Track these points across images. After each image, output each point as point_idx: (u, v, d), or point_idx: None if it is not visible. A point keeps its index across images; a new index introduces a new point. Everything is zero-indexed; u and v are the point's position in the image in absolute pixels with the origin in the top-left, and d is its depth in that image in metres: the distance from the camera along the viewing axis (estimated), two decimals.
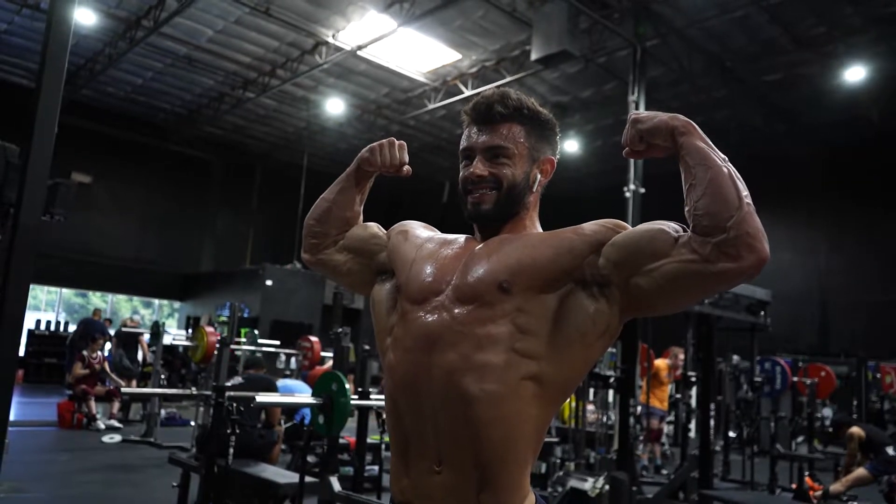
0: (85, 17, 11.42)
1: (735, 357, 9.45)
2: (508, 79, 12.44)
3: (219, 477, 4.37)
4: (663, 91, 12.80)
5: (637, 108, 10.81)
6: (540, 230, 1.40)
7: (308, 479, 4.10)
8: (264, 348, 8.94)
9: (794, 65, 11.95)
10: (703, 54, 11.70)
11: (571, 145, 15.15)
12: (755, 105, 13.42)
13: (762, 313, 6.64)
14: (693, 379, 6.72)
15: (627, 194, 10.50)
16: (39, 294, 17.47)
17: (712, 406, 6.64)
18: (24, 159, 6.00)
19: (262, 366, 6.34)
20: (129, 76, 14.71)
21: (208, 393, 4.86)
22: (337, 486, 3.89)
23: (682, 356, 7.78)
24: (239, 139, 18.18)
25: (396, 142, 1.52)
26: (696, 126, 1.19)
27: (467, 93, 13.19)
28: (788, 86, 12.67)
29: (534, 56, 10.12)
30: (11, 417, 6.12)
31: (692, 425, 8.04)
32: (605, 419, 7.15)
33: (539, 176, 1.40)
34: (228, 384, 5.10)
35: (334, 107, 15.00)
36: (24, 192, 5.80)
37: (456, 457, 1.16)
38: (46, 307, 17.77)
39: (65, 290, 17.97)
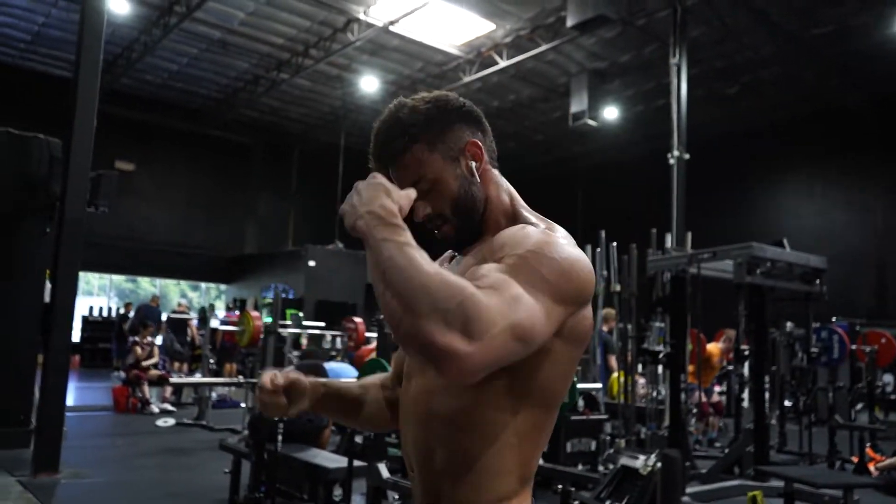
0: (118, 6, 11.49)
1: (789, 324, 9.17)
2: (544, 47, 12.15)
3: (269, 462, 4.41)
4: (706, 50, 12.36)
5: (679, 71, 10.46)
6: (516, 213, 1.26)
7: (357, 463, 4.10)
8: (309, 331, 9.00)
9: (844, 16, 11.38)
10: (747, 11, 11.22)
11: (611, 112, 14.78)
12: (805, 60, 12.86)
13: (818, 281, 6.37)
14: (746, 353, 6.52)
15: (672, 161, 10.21)
16: (92, 280, 17.95)
17: (766, 378, 6.45)
18: (66, 152, 6.09)
19: (315, 356, 6.37)
20: (165, 63, 14.84)
21: (256, 381, 4.87)
22: (385, 472, 3.88)
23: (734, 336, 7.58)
24: (276, 121, 18.24)
25: (268, 385, 1.30)
26: (377, 227, 1.01)
27: (502, 63, 12.94)
28: (840, 38, 12.09)
29: (570, 22, 9.85)
30: (69, 402, 6.30)
31: (745, 395, 7.84)
32: (654, 394, 7.01)
33: (473, 163, 1.24)
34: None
35: (369, 84, 14.90)
36: (67, 185, 5.91)
37: (423, 464, 1.19)
38: (99, 292, 18.26)
39: (115, 276, 18.43)
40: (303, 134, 18.96)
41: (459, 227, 1.24)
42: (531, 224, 1.21)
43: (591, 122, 12.97)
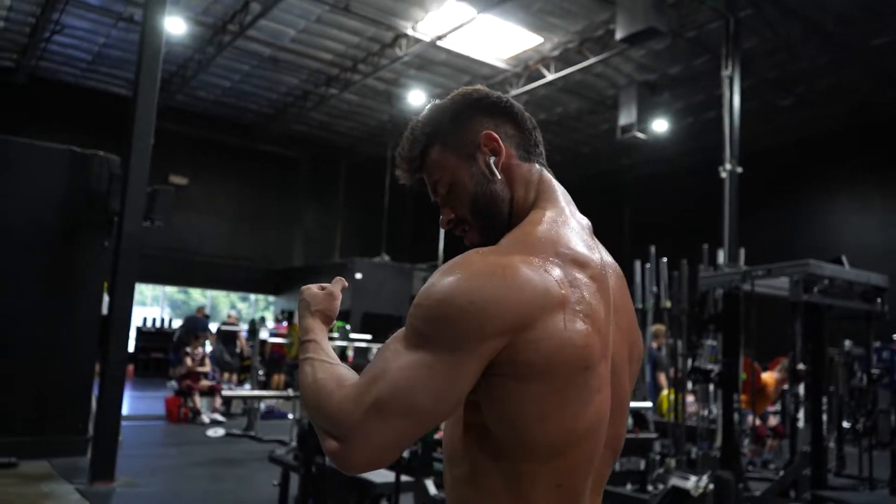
0: (175, 27, 11.84)
1: (847, 342, 8.87)
2: (592, 60, 12.07)
3: (317, 476, 4.44)
4: (759, 62, 12.10)
5: (731, 83, 10.27)
6: (536, 213, 1.11)
7: (404, 478, 4.09)
8: (356, 343, 9.06)
9: None
10: (801, 21, 10.97)
11: (660, 124, 14.58)
12: (862, 71, 12.50)
13: (879, 300, 6.16)
14: (802, 373, 6.32)
15: (723, 174, 10.00)
16: (145, 290, 18.44)
17: (824, 399, 6.24)
18: (124, 169, 6.30)
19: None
20: (218, 80, 15.22)
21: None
22: (433, 489, 3.87)
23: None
24: (324, 135, 18.52)
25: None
26: (300, 347, 1.13)
27: (550, 77, 12.90)
28: None
29: (619, 35, 9.75)
30: (123, 412, 6.46)
31: (800, 414, 7.60)
32: (706, 412, 6.85)
33: (491, 158, 1.12)
34: None
35: (416, 99, 15.01)
36: (125, 200, 6.10)
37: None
38: (152, 303, 18.75)
39: (167, 287, 18.90)
40: (350, 148, 19.21)
41: (483, 231, 1.12)
42: (483, 248, 1.05)
43: (639, 135, 12.81)
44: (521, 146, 1.15)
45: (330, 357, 1.09)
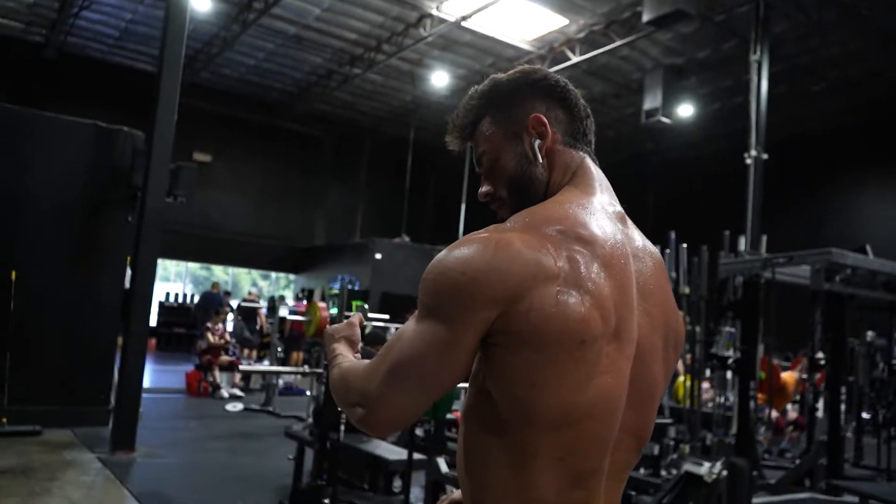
0: (200, 4, 11.87)
1: (870, 333, 8.75)
2: (618, 42, 11.92)
3: (331, 451, 4.50)
4: (789, 46, 11.88)
5: (760, 68, 10.09)
6: (558, 195, 1.12)
7: (417, 456, 4.14)
8: (374, 322, 9.11)
9: None
10: (834, 5, 10.72)
11: (686, 109, 14.39)
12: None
13: None
14: (822, 362, 6.25)
15: (748, 161, 9.87)
16: (169, 266, 18.68)
17: (843, 390, 6.18)
18: (148, 144, 6.36)
19: (381, 342, 6.44)
20: (242, 58, 15.27)
21: (320, 371, 4.99)
22: (444, 467, 3.90)
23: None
24: (347, 115, 18.53)
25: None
26: (338, 356, 1.31)
27: (574, 59, 12.77)
28: None
29: (646, 17, 9.63)
30: (145, 385, 6.59)
31: (820, 404, 7.54)
32: (722, 399, 6.81)
33: (536, 141, 1.13)
34: None
35: (439, 79, 14.95)
36: (149, 176, 6.17)
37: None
38: (175, 278, 18.99)
39: (190, 263, 19.13)
40: (373, 128, 19.20)
41: (514, 210, 1.12)
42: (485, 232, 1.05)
43: (664, 120, 12.66)
44: (568, 132, 1.17)
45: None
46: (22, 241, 6.58)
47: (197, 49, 14.59)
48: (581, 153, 1.17)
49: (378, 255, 14.88)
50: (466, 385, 1.09)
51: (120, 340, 6.54)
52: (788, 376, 7.66)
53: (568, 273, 0.99)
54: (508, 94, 1.17)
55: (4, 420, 5.97)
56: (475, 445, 1.06)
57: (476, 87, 1.22)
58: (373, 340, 6.50)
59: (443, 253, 1.03)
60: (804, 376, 7.40)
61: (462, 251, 1.01)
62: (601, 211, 1.10)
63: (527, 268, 0.98)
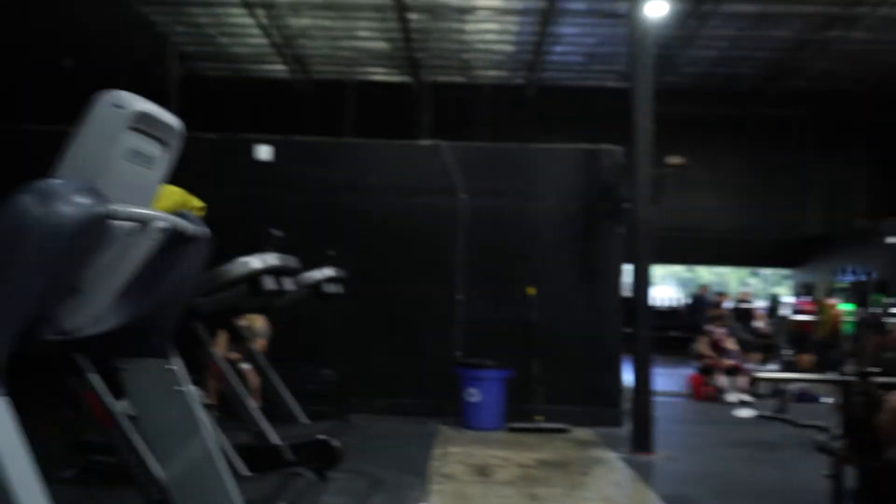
0: (657, 10, 11.89)
1: None
2: None
3: (878, 472, 3.85)
4: None
5: None
6: None
7: None
8: None
9: None
10: None
11: None
12: None
13: None
14: None
15: None
16: (655, 270, 19.15)
17: None
18: (629, 157, 6.62)
19: None
20: (703, 52, 14.89)
21: (851, 378, 4.36)
22: None
23: None
24: (827, 86, 16.41)
25: None
26: None
27: None
28: None
29: None
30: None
31: None
32: None
33: None
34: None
35: None
36: (635, 187, 6.41)
37: None
38: (660, 282, 19.37)
39: (674, 267, 19.28)
40: (867, 94, 16.55)
41: None
42: None
43: None
44: None
45: None
46: (535, 259, 7.44)
47: (658, 55, 14.71)
48: None
49: (892, 239, 12.69)
50: None
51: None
52: None
53: None
54: None
55: (542, 418, 6.77)
56: None
57: None
58: None
59: None
60: None
61: None
62: None
63: None
